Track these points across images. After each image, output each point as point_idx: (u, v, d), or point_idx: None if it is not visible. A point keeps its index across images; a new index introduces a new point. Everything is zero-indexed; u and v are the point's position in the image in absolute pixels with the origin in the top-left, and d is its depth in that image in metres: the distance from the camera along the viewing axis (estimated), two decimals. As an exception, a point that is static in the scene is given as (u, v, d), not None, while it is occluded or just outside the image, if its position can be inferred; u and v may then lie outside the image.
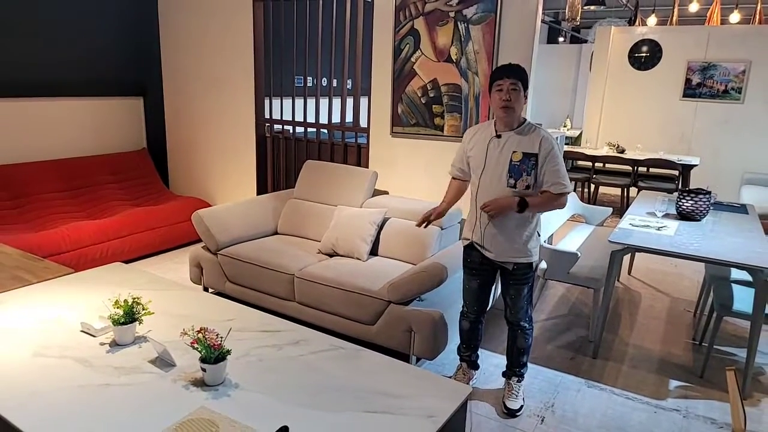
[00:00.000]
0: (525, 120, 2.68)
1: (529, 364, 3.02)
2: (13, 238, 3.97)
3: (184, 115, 5.68)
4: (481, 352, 3.15)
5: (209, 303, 2.63)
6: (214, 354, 1.85)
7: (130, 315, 2.12)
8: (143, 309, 2.17)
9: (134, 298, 2.16)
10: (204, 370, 1.86)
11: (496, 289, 3.35)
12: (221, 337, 1.89)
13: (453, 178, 2.95)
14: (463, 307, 2.99)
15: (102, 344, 2.14)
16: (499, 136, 2.66)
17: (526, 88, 2.61)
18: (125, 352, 2.09)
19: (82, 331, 2.24)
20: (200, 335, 1.87)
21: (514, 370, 2.94)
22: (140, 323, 2.17)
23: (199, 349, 1.86)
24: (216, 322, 2.31)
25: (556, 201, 2.62)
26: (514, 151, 2.61)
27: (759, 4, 7.98)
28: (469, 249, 2.83)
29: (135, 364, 2.00)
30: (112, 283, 2.74)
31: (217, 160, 5.53)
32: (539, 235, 2.81)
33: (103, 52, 5.39)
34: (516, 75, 2.57)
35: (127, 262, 4.61)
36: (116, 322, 2.10)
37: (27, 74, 4.83)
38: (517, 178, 2.60)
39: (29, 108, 4.87)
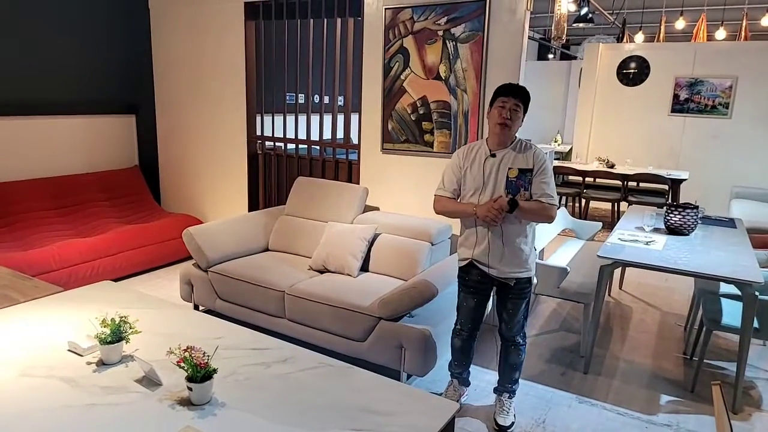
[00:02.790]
0: (516, 138, 2.72)
1: (520, 380, 3.01)
2: (2, 256, 3.95)
3: (176, 132, 5.70)
4: (472, 368, 3.14)
5: (197, 321, 2.62)
6: (200, 373, 1.84)
7: (116, 334, 2.11)
8: (130, 328, 2.16)
9: (121, 317, 2.15)
10: (190, 389, 1.85)
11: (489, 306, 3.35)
12: (208, 356, 1.88)
13: (445, 197, 2.82)
14: (456, 324, 2.98)
15: (89, 363, 2.12)
16: (493, 155, 2.69)
17: (525, 111, 2.66)
18: (112, 372, 2.07)
19: (69, 350, 2.22)
20: (186, 354, 1.86)
21: (505, 386, 2.93)
22: (127, 342, 2.16)
23: (186, 368, 1.86)
24: (204, 341, 2.31)
25: (545, 212, 2.64)
26: (510, 168, 2.65)
27: (744, 21, 8.12)
28: (469, 267, 2.82)
29: (121, 384, 1.99)
30: (100, 301, 2.73)
31: (209, 177, 5.54)
32: (535, 249, 2.83)
33: (96, 70, 5.42)
34: (520, 96, 2.62)
35: (118, 279, 4.60)
36: (103, 342, 2.09)
37: (18, 93, 4.84)
38: (515, 193, 2.64)
39: (20, 126, 4.88)
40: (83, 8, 5.22)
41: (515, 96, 2.61)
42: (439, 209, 2.83)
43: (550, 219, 2.69)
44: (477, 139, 3.92)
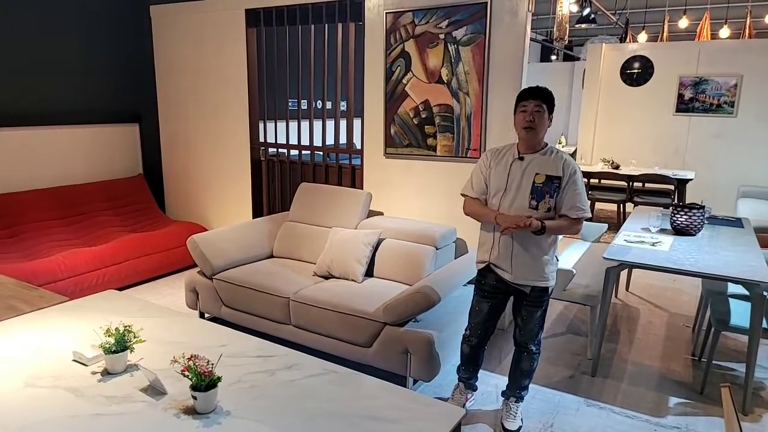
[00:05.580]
0: (547, 144, 2.69)
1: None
2: (8, 267, 3.97)
3: (179, 140, 5.71)
4: (480, 373, 3.12)
5: (202, 329, 2.61)
6: (204, 381, 1.84)
7: (121, 343, 2.11)
8: (134, 337, 2.16)
9: (125, 327, 2.15)
10: (195, 397, 1.84)
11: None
12: (212, 364, 1.87)
13: (471, 198, 2.81)
14: (466, 330, 2.94)
15: (94, 373, 2.12)
16: (521, 158, 2.66)
17: (551, 111, 2.62)
18: (117, 381, 2.07)
19: (74, 360, 2.22)
20: (190, 363, 1.85)
21: (514, 392, 2.91)
22: (131, 351, 2.16)
23: (190, 377, 1.85)
24: (208, 349, 2.30)
25: (573, 226, 2.63)
26: (537, 173, 2.61)
27: (748, 19, 8.09)
28: (485, 271, 2.79)
29: (126, 393, 1.99)
30: (105, 311, 2.73)
31: (213, 184, 5.55)
32: (557, 260, 2.78)
33: (98, 79, 5.45)
34: (541, 97, 2.59)
35: (124, 288, 4.61)
36: (107, 351, 2.09)
37: (22, 104, 4.87)
38: (539, 199, 2.60)
39: (24, 137, 4.90)
40: (84, 18, 5.25)
41: (535, 98, 2.58)
42: (466, 211, 2.83)
43: (577, 231, 2.68)
44: (480, 143, 3.92)
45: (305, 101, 5.03)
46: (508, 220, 2.59)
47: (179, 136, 5.71)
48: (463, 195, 2.85)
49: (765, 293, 2.91)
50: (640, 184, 7.37)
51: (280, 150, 5.19)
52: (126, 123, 5.76)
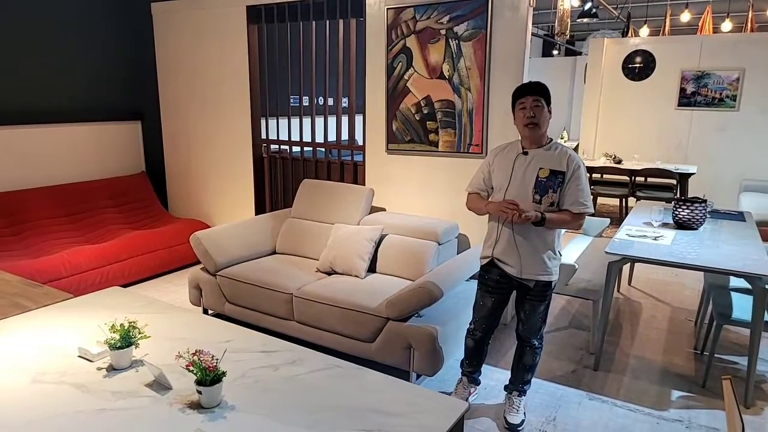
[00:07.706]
0: (551, 139, 2.70)
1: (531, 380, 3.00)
2: (13, 264, 3.99)
3: (181, 137, 5.73)
4: (483, 367, 3.13)
5: (206, 325, 2.62)
6: (209, 376, 1.85)
7: (126, 339, 2.13)
8: (139, 333, 2.17)
9: (130, 322, 2.17)
10: (200, 392, 1.85)
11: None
12: (216, 359, 1.89)
13: (473, 193, 2.87)
14: (471, 324, 2.96)
15: (99, 369, 2.14)
16: (525, 153, 2.67)
17: (548, 103, 2.63)
18: (122, 377, 2.09)
19: (79, 356, 2.23)
20: (195, 358, 1.87)
21: (516, 386, 2.93)
22: (137, 347, 2.17)
23: (195, 372, 1.86)
24: (212, 344, 2.31)
25: (575, 221, 2.64)
26: (540, 168, 2.62)
27: (750, 12, 8.06)
28: (488, 266, 2.81)
29: (132, 388, 2.00)
30: (109, 307, 2.74)
31: (216, 181, 5.56)
32: (560, 255, 2.80)
33: (100, 77, 5.46)
34: (537, 92, 2.60)
35: (127, 285, 4.63)
36: (112, 347, 2.10)
37: (24, 101, 4.88)
38: (543, 194, 2.61)
39: (27, 135, 4.92)
40: (86, 17, 5.26)
41: (532, 93, 2.59)
42: (468, 206, 2.89)
43: (579, 227, 2.69)
44: (482, 138, 3.93)
45: (307, 98, 5.03)
46: (494, 207, 2.63)
47: (181, 134, 5.72)
48: (467, 192, 2.92)
49: (767, 286, 2.91)
50: (643, 179, 7.37)
51: (282, 147, 5.20)
52: (128, 120, 5.78)
